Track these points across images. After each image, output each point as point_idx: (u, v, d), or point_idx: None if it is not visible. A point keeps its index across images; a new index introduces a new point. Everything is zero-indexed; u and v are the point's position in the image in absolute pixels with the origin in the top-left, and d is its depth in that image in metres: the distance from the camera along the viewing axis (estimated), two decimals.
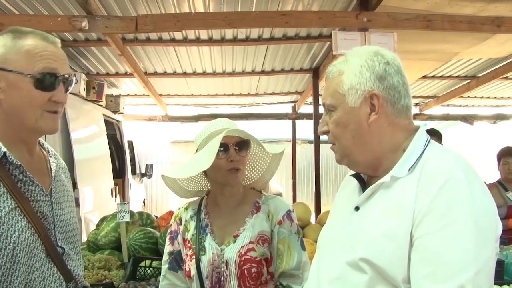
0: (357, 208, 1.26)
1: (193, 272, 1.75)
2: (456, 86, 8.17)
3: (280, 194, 9.49)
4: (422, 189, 1.12)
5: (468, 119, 9.21)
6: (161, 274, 1.92)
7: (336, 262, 1.24)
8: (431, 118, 9.49)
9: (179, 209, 1.96)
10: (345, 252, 1.22)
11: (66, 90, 1.39)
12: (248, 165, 1.92)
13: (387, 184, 1.20)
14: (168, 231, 1.94)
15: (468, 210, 1.06)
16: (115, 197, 6.43)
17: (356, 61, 1.26)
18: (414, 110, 9.81)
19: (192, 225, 1.83)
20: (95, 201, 5.42)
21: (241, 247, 1.72)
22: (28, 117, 1.32)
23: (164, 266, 1.90)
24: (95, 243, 3.31)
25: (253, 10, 4.61)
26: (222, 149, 1.71)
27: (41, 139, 1.52)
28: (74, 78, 1.42)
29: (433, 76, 7.47)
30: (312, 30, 5.43)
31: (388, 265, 1.11)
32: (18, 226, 1.27)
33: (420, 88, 8.43)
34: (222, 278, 1.72)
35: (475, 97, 9.09)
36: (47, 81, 1.32)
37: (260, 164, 1.96)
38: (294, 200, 9.89)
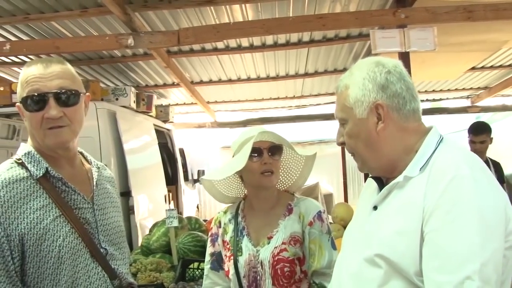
0: (375, 208, 1.33)
1: (232, 271, 1.87)
2: (510, 75, 7.86)
3: (330, 195, 9.44)
4: (431, 187, 1.17)
5: None
6: (204, 274, 2.05)
7: (355, 258, 1.31)
8: (485, 110, 9.10)
9: (219, 213, 2.09)
10: (362, 248, 1.29)
11: (64, 104, 1.47)
12: (282, 170, 2.01)
13: (400, 184, 1.26)
14: (209, 233, 2.07)
15: (473, 204, 1.09)
16: (169, 203, 6.57)
17: (358, 74, 1.32)
18: (466, 103, 9.50)
19: (230, 227, 1.95)
20: (149, 208, 5.61)
21: (274, 247, 1.82)
22: (38, 137, 1.50)
23: (207, 266, 2.03)
24: (147, 247, 3.49)
25: (290, 15, 4.70)
26: (256, 154, 1.82)
27: (84, 152, 1.70)
28: (68, 92, 1.48)
29: (482, 67, 7.24)
30: (352, 30, 5.43)
31: (401, 259, 1.17)
32: (62, 231, 1.46)
33: (470, 80, 8.17)
34: (258, 277, 1.83)
35: None
36: (32, 103, 1.46)
37: (293, 170, 2.04)
38: (346, 200, 9.81)
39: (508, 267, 1.13)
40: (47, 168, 1.49)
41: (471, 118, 10.14)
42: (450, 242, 1.09)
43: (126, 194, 4.98)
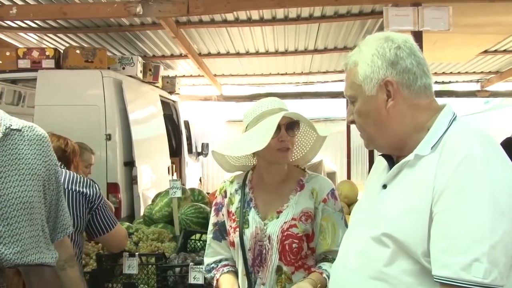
0: (384, 186, 1.31)
1: (237, 244, 1.84)
2: None
3: (333, 173, 9.42)
4: (442, 166, 1.14)
5: None
6: (207, 243, 2.03)
7: (362, 236, 1.30)
8: (494, 94, 9.02)
9: (224, 182, 2.04)
10: (370, 227, 1.27)
11: None
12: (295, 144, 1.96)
13: (411, 162, 1.23)
14: (214, 202, 2.03)
15: (484, 185, 1.07)
16: (172, 175, 6.60)
17: (367, 51, 1.29)
18: (475, 87, 9.41)
19: (237, 198, 1.92)
20: (152, 179, 5.63)
21: (284, 223, 1.78)
22: None
23: (209, 236, 2.01)
24: (149, 217, 3.51)
25: None
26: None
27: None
28: None
29: (495, 51, 7.15)
30: (365, 6, 5.33)
31: (408, 239, 1.16)
32: None
33: (481, 64, 8.08)
34: (264, 251, 1.79)
35: None
36: None
37: (304, 143, 2.01)
38: (349, 178, 9.83)
39: None
40: None
41: (479, 103, 10.08)
42: (459, 223, 1.07)
43: (129, 164, 5.01)
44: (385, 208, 1.26)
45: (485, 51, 6.87)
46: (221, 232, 1.96)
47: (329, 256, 1.80)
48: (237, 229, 1.84)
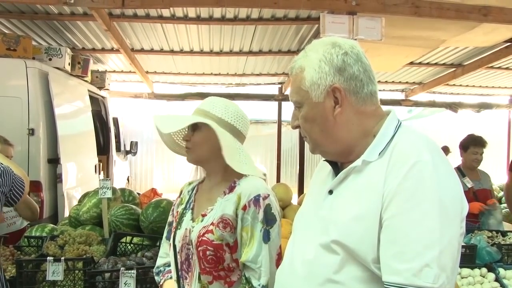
0: (330, 192, 1.29)
1: (170, 245, 1.80)
2: (442, 74, 8.24)
3: (264, 175, 9.51)
4: (391, 172, 1.14)
5: (452, 106, 9.27)
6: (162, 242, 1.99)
7: (310, 244, 1.27)
8: (417, 104, 9.54)
9: (185, 183, 2.01)
10: (318, 234, 1.25)
11: None
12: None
13: (358, 168, 1.22)
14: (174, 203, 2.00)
15: (434, 191, 1.09)
16: (99, 173, 6.39)
17: (314, 56, 1.26)
18: (400, 96, 9.87)
19: (186, 199, 1.87)
20: (78, 177, 5.38)
21: (203, 227, 1.67)
22: None
23: (164, 235, 1.96)
24: (76, 219, 3.32)
25: None
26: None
27: None
28: None
29: (419, 63, 7.53)
30: (301, 12, 5.40)
31: (358, 246, 1.15)
32: None
33: (406, 74, 8.48)
34: (190, 255, 1.70)
35: (460, 85, 9.18)
36: None
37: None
38: (278, 181, 9.94)
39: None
40: None
41: (403, 111, 10.61)
42: (410, 229, 1.08)
43: (54, 161, 4.74)
44: (333, 214, 1.24)
45: (411, 63, 7.20)
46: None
47: (247, 273, 1.67)
48: (174, 229, 1.80)
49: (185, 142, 1.78)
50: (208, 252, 1.63)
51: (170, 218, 1.95)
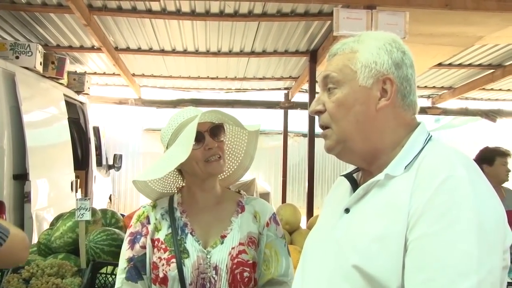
0: (347, 210, 1.29)
1: (173, 278, 1.74)
2: (478, 76, 8.23)
3: (267, 194, 9.49)
4: (418, 188, 1.13)
5: (490, 115, 9.22)
6: (116, 286, 1.87)
7: (323, 270, 1.27)
8: (446, 112, 9.50)
9: (145, 207, 1.96)
10: (333, 259, 1.25)
11: None
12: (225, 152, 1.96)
13: (381, 183, 1.23)
14: (128, 233, 1.91)
15: (471, 211, 1.06)
16: (76, 191, 6.39)
17: (373, 43, 1.31)
18: (426, 103, 9.85)
19: (165, 224, 1.85)
20: (50, 196, 5.34)
21: (232, 248, 1.77)
22: None
23: (121, 276, 1.85)
24: (47, 246, 3.26)
25: None
26: (195, 140, 1.74)
27: None
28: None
29: (449, 64, 7.52)
30: (311, 6, 5.39)
31: (380, 273, 1.12)
32: None
33: (433, 78, 8.48)
34: (208, 284, 1.75)
35: (500, 89, 9.15)
36: None
37: (236, 150, 2.02)
38: (284, 201, 9.91)
39: None
40: None
41: (429, 121, 10.58)
42: (442, 252, 1.05)
43: (21, 177, 4.70)
44: (351, 235, 1.23)
45: (439, 64, 7.20)
46: (137, 270, 1.84)
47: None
48: (172, 260, 1.76)
49: (210, 151, 1.79)
50: (245, 274, 1.76)
51: (128, 253, 1.86)
